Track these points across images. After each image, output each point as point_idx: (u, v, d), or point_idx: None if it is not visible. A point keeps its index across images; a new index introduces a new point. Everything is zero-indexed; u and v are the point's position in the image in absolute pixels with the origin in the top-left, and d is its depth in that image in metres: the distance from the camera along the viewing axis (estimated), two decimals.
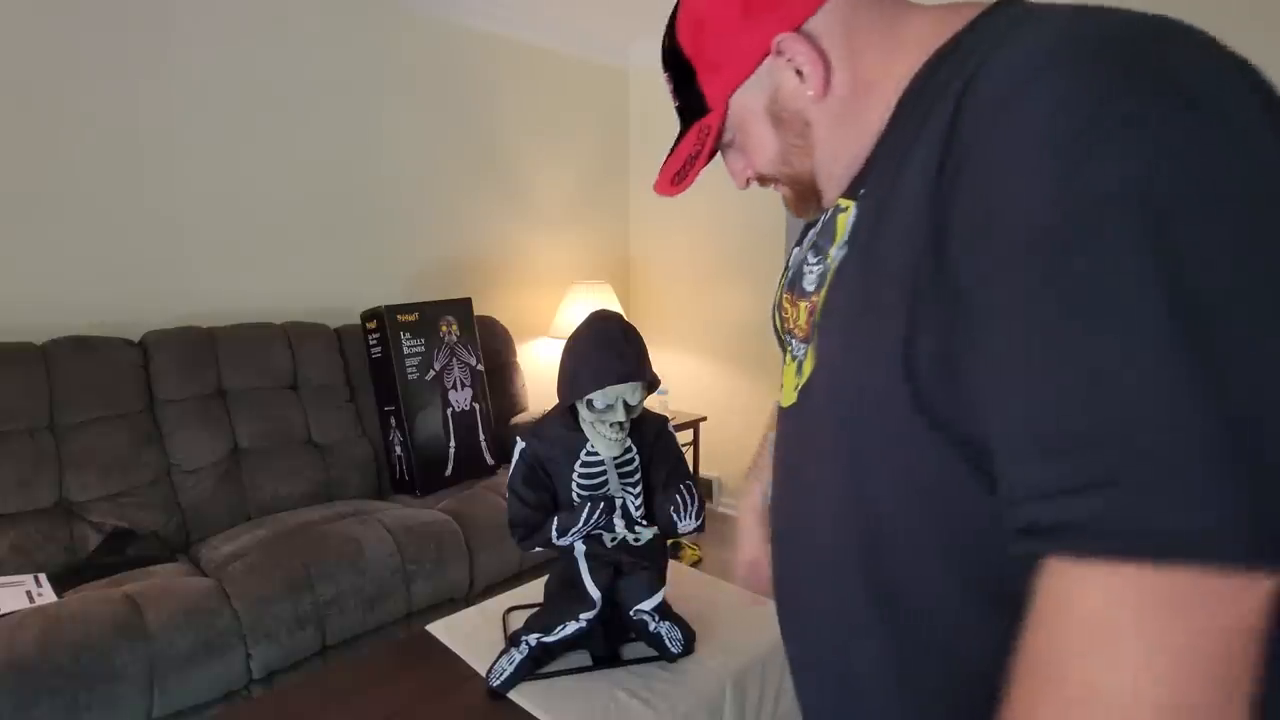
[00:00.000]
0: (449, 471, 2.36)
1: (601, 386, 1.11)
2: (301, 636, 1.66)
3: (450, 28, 2.85)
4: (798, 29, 0.53)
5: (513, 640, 1.20)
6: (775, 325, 0.69)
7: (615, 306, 3.09)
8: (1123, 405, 0.33)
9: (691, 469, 3.23)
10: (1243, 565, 0.31)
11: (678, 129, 0.64)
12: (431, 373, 2.36)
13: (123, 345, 1.99)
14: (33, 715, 1.28)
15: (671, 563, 1.40)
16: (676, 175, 0.63)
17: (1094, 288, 0.34)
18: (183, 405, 2.03)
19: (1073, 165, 0.35)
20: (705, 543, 3.06)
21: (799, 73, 0.53)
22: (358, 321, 2.47)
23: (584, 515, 1.16)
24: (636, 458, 1.23)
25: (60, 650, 1.35)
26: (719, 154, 0.63)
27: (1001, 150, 0.38)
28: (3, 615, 1.42)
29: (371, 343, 2.37)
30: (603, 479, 1.20)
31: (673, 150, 0.64)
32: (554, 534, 1.18)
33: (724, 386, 3.35)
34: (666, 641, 1.23)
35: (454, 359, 2.43)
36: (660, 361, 3.55)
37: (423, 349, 2.35)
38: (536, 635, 1.18)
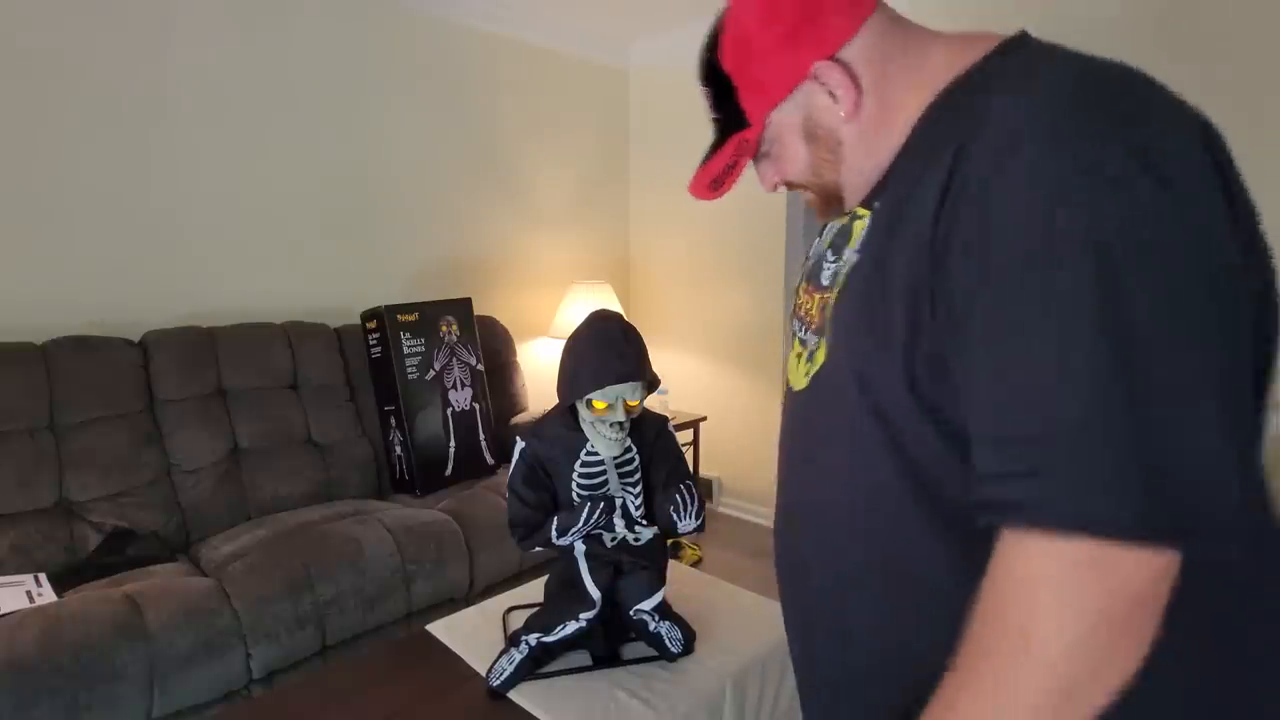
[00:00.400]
0: (449, 471, 2.36)
1: (601, 386, 1.11)
2: (301, 636, 1.66)
3: (451, 28, 2.85)
4: (833, 56, 0.60)
5: (513, 640, 1.20)
6: (789, 310, 0.78)
7: (615, 306, 3.10)
8: (1057, 409, 0.43)
9: (691, 469, 3.23)
10: (1135, 541, 0.42)
11: (711, 138, 0.70)
12: (431, 373, 2.36)
13: (123, 345, 1.99)
14: (33, 715, 1.28)
15: (671, 563, 1.40)
16: (714, 182, 0.69)
17: (1045, 308, 0.44)
18: (183, 405, 2.03)
19: (1047, 211, 0.44)
20: (705, 543, 3.06)
21: (832, 95, 0.60)
22: (358, 321, 2.47)
23: (584, 515, 1.16)
24: (636, 458, 1.23)
25: (60, 650, 1.35)
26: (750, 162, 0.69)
27: (995, 193, 0.47)
28: (3, 615, 1.42)
29: (371, 343, 2.37)
30: (603, 479, 1.20)
31: (709, 157, 0.69)
32: (554, 534, 1.18)
33: (724, 386, 3.35)
34: (666, 641, 1.23)
35: (454, 359, 2.43)
36: (660, 361, 3.55)
37: (423, 349, 2.35)
38: (536, 635, 1.18)
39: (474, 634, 1.34)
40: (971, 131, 0.50)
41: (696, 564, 2.83)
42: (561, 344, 2.45)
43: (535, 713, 1.11)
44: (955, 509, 0.52)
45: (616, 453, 1.18)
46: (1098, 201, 0.44)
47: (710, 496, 3.47)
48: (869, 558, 0.59)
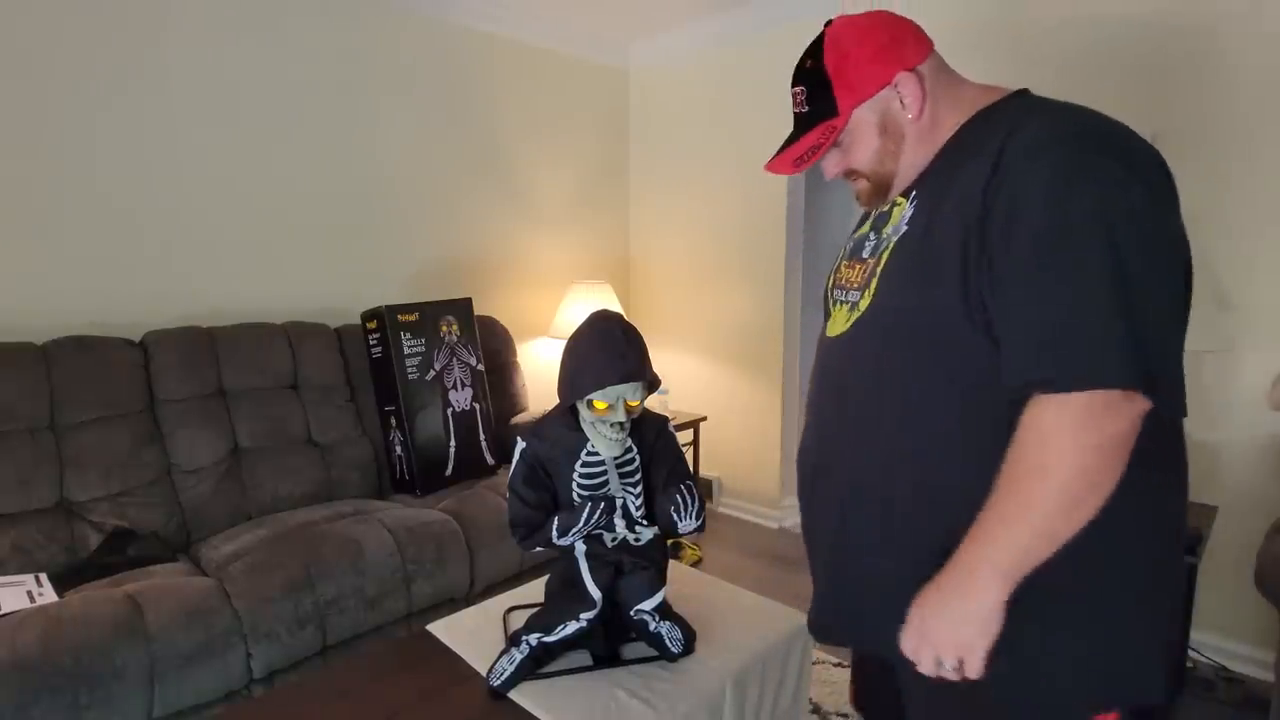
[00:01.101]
0: (449, 471, 2.36)
1: (602, 386, 1.11)
2: (302, 636, 1.66)
3: (450, 28, 2.85)
4: (912, 70, 0.83)
5: (513, 640, 1.20)
6: (827, 287, 1.00)
7: (615, 306, 3.10)
8: (1078, 320, 0.67)
9: (691, 469, 3.23)
10: (1126, 390, 0.66)
11: (790, 129, 0.92)
12: (431, 373, 2.37)
13: (123, 345, 1.99)
14: (33, 714, 1.29)
15: (671, 562, 1.40)
16: (799, 160, 0.90)
17: (1072, 259, 0.68)
18: (183, 405, 2.03)
19: (1064, 197, 0.69)
20: (705, 543, 3.06)
21: (902, 101, 0.84)
22: (358, 321, 2.48)
23: (584, 515, 1.16)
24: (637, 458, 1.23)
25: (61, 650, 1.35)
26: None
27: (1026, 181, 0.71)
28: (4, 615, 1.42)
29: (371, 343, 2.37)
30: (603, 479, 1.20)
31: (792, 141, 0.90)
32: (554, 534, 1.18)
33: (724, 386, 3.35)
34: (667, 641, 1.23)
35: (454, 359, 2.44)
36: (660, 361, 3.56)
37: (423, 349, 2.35)
38: (537, 635, 1.18)
39: (474, 634, 1.34)
40: (1009, 134, 0.74)
41: (696, 564, 2.83)
42: (561, 344, 2.45)
43: (535, 712, 1.11)
44: (980, 394, 0.75)
45: (617, 453, 1.18)
46: (1104, 193, 0.68)
47: (710, 496, 3.47)
48: (918, 443, 0.79)
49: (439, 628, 1.37)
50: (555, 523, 1.18)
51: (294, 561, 1.71)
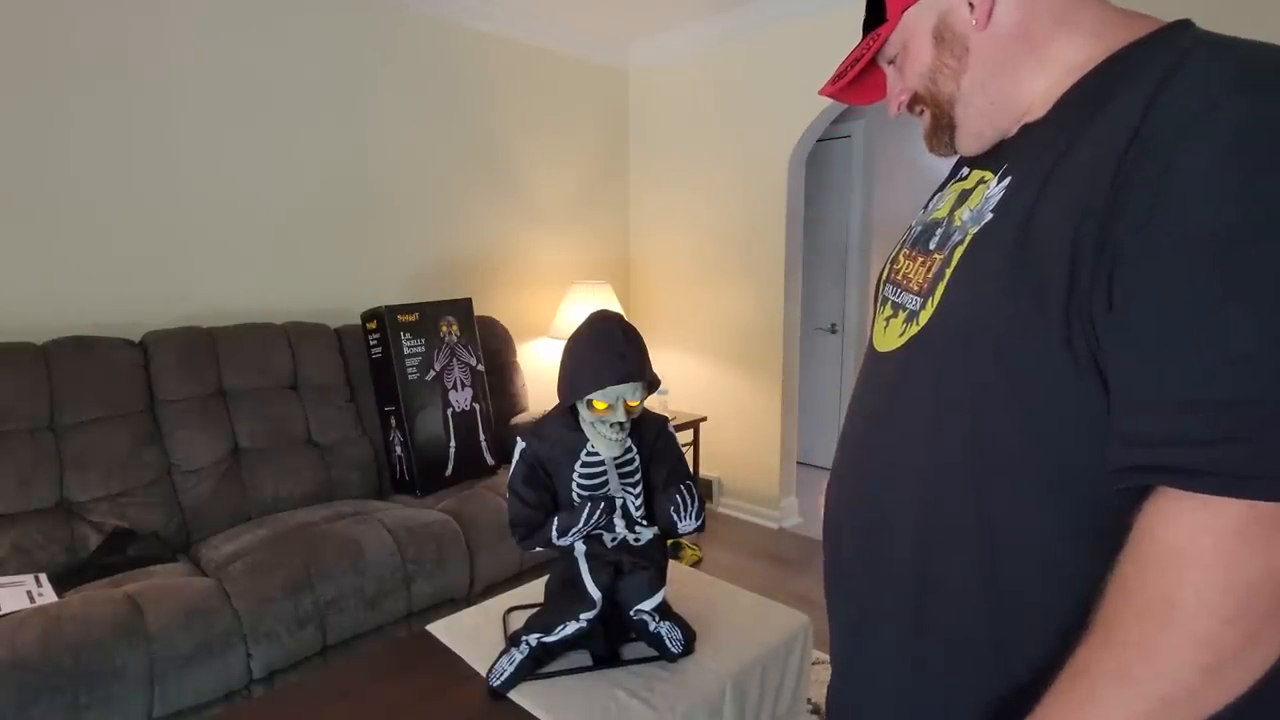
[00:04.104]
0: (449, 471, 2.36)
1: (602, 386, 1.11)
2: (302, 636, 1.66)
3: (451, 28, 2.85)
4: None
5: (513, 640, 1.20)
6: (880, 279, 0.76)
7: (615, 306, 3.10)
8: (1261, 382, 0.42)
9: (691, 469, 3.23)
10: None
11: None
12: (431, 373, 2.36)
13: (123, 345, 1.99)
14: (33, 714, 1.29)
15: (671, 563, 1.40)
16: (838, 75, 0.71)
17: (1257, 281, 0.42)
18: (183, 405, 2.03)
19: (1255, 174, 0.43)
20: (705, 543, 3.06)
21: (970, 5, 0.60)
22: (358, 321, 2.47)
23: (584, 515, 1.16)
24: (636, 458, 1.23)
25: (61, 650, 1.35)
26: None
27: (1191, 156, 0.45)
28: (4, 615, 1.42)
29: (371, 343, 2.37)
30: (603, 479, 1.20)
31: (845, 59, 0.71)
32: (554, 534, 1.18)
33: (724, 386, 3.35)
34: (667, 642, 1.23)
35: (454, 359, 2.44)
36: (660, 361, 3.56)
37: (423, 349, 2.35)
38: (537, 635, 1.18)
39: (474, 634, 1.34)
40: (1160, 86, 0.49)
41: (696, 564, 2.83)
42: (561, 344, 2.45)
43: (535, 712, 1.11)
44: (1077, 471, 0.52)
45: (617, 453, 1.18)
46: None
47: (710, 496, 3.47)
48: (977, 512, 0.57)
49: (439, 628, 1.37)
50: (555, 523, 1.18)
51: (294, 561, 1.71)
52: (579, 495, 1.20)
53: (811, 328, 3.88)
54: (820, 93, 0.75)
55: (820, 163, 3.71)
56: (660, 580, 1.23)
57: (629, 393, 1.14)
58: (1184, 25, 0.55)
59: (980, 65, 0.62)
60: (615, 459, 1.20)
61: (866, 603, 0.69)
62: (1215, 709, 0.44)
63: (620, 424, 1.15)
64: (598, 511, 1.17)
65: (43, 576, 1.61)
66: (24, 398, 1.78)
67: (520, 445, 1.22)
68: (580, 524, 1.16)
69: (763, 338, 3.18)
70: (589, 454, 1.19)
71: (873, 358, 0.71)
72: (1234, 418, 0.43)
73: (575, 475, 1.20)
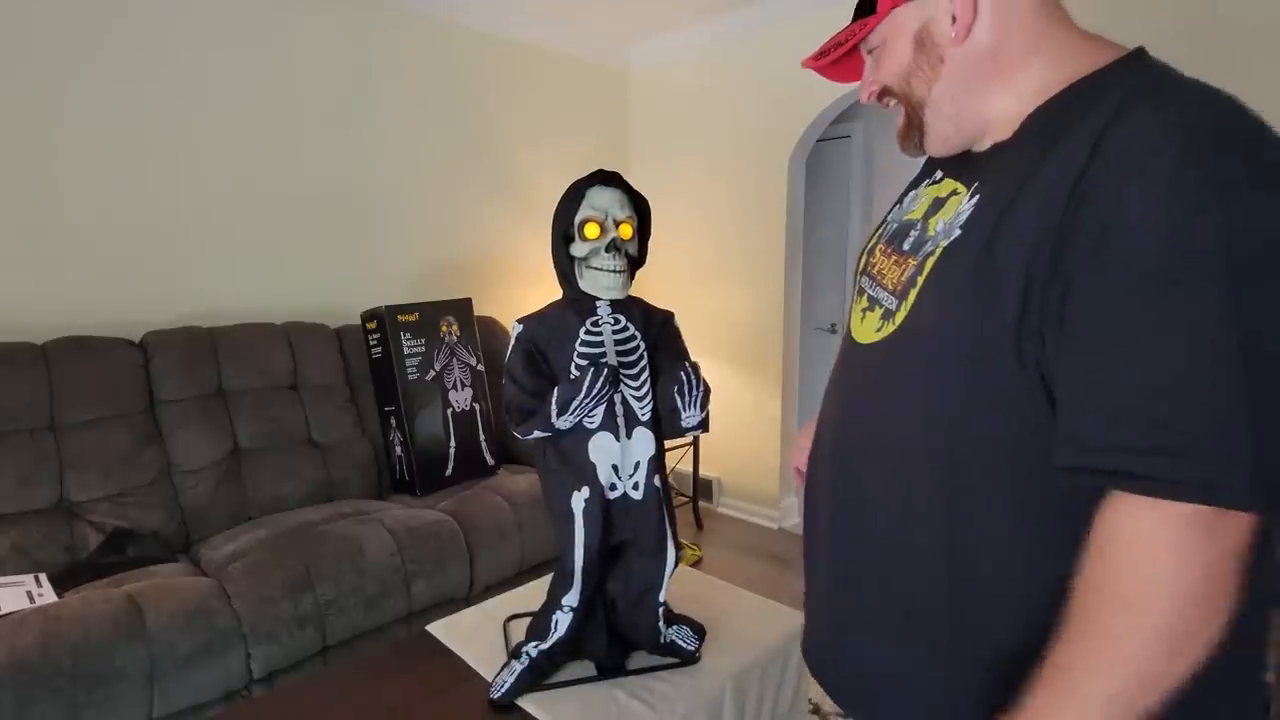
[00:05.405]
0: (449, 471, 2.36)
1: (583, 196, 1.07)
2: (301, 636, 1.66)
3: (451, 29, 2.85)
4: None
5: (514, 653, 1.19)
6: (858, 268, 0.83)
7: None
8: (1189, 399, 0.49)
9: (691, 469, 3.23)
10: (1249, 509, 0.49)
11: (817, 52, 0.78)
12: (431, 373, 2.36)
13: (123, 345, 1.99)
14: (33, 715, 1.29)
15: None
16: (823, 52, 0.75)
17: (1185, 312, 0.49)
18: (183, 405, 2.03)
19: (1182, 222, 0.49)
20: (705, 543, 3.06)
21: (953, 17, 0.65)
22: (358, 321, 2.47)
23: (585, 384, 1.06)
24: (638, 338, 1.15)
25: (60, 650, 1.35)
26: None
27: (1130, 198, 0.51)
28: (3, 615, 1.42)
29: (371, 343, 2.37)
30: (603, 356, 1.14)
31: (831, 38, 0.76)
32: (553, 411, 1.08)
33: (724, 386, 3.35)
34: (680, 643, 1.23)
35: (454, 359, 2.43)
36: None
37: (423, 349, 2.35)
38: (534, 643, 1.17)
39: (474, 634, 1.34)
40: (1115, 117, 0.55)
41: (696, 564, 2.83)
42: None
43: (534, 713, 1.11)
44: (1028, 466, 0.59)
45: (619, 294, 1.12)
46: (1238, 216, 0.49)
47: (710, 497, 3.47)
48: (944, 497, 0.64)
49: (439, 628, 1.37)
50: (554, 397, 1.08)
51: (294, 561, 1.71)
52: (579, 369, 1.12)
53: (811, 328, 3.88)
54: (803, 64, 0.79)
55: (820, 163, 3.71)
56: (663, 549, 1.16)
57: (616, 207, 1.09)
58: (1136, 57, 0.61)
59: (952, 77, 0.67)
60: (614, 333, 1.13)
61: (841, 571, 0.77)
62: (1181, 682, 0.51)
63: (618, 250, 1.09)
64: (599, 380, 1.07)
65: (43, 576, 1.61)
66: (24, 398, 1.78)
67: (518, 328, 1.14)
68: (581, 395, 1.06)
69: (763, 338, 3.18)
70: (589, 332, 1.12)
71: (851, 346, 0.77)
72: (1164, 434, 0.50)
73: (575, 355, 1.12)
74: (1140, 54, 0.62)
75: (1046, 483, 0.58)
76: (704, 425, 1.13)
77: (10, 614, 1.42)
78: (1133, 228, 0.51)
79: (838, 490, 0.77)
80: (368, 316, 2.37)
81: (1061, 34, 0.64)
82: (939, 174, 0.76)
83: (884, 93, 0.73)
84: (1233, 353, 0.48)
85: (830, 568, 0.80)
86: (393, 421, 2.33)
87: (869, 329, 0.74)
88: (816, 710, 1.84)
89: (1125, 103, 0.55)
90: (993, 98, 0.66)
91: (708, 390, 1.11)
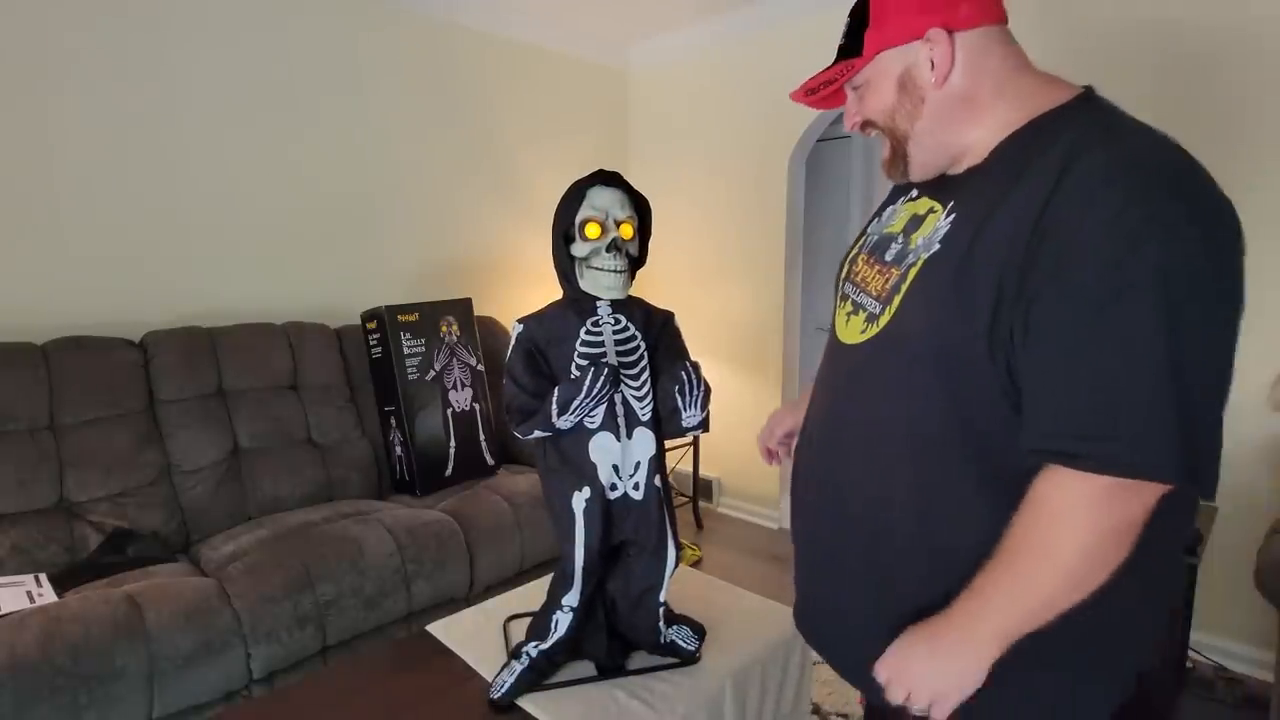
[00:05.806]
0: (449, 471, 2.36)
1: (583, 196, 1.07)
2: (301, 636, 1.66)
3: (451, 29, 2.85)
4: (951, 32, 0.73)
5: (514, 654, 1.19)
6: (839, 275, 0.93)
7: None
8: (1124, 396, 0.61)
9: (691, 469, 3.23)
10: (1164, 480, 0.62)
11: (826, 64, 0.85)
12: (431, 373, 2.36)
13: (123, 345, 1.99)
14: (33, 715, 1.29)
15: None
16: (811, 90, 0.85)
17: (1124, 327, 0.60)
18: (183, 405, 2.03)
19: (1126, 250, 0.60)
20: (705, 543, 3.06)
21: (932, 62, 0.73)
22: (358, 321, 2.47)
23: (586, 383, 1.06)
24: (638, 338, 1.15)
25: (60, 650, 1.35)
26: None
27: (1083, 228, 0.62)
28: (3, 615, 1.42)
29: (371, 343, 2.37)
30: (604, 357, 1.13)
31: (818, 75, 0.84)
32: (554, 410, 1.07)
33: (723, 386, 3.35)
34: (680, 643, 1.23)
35: (454, 359, 2.43)
36: None
37: (423, 349, 2.35)
38: (534, 643, 1.17)
39: (474, 634, 1.34)
40: (1074, 155, 0.65)
41: (696, 564, 2.83)
42: None
43: (534, 713, 1.11)
44: (992, 448, 0.71)
45: (620, 294, 1.12)
46: (1171, 250, 0.59)
47: (710, 497, 3.47)
48: (917, 480, 0.75)
49: (439, 628, 1.37)
50: (555, 397, 1.07)
51: (294, 561, 1.71)
52: (580, 369, 1.11)
53: (811, 328, 3.88)
54: (790, 97, 0.88)
55: (820, 163, 3.71)
56: (664, 547, 1.16)
57: (617, 207, 1.08)
58: (1086, 98, 0.72)
59: (931, 116, 0.76)
60: (615, 334, 1.12)
61: (827, 545, 0.87)
62: (1068, 609, 0.66)
63: (618, 250, 1.08)
64: (600, 380, 1.06)
65: (43, 576, 1.61)
66: (24, 398, 1.78)
67: (518, 328, 1.14)
68: (582, 395, 1.06)
69: (763, 338, 3.18)
70: (589, 331, 1.12)
71: (836, 346, 0.87)
72: (1096, 420, 0.62)
73: (575, 355, 1.12)
74: (1089, 94, 0.73)
75: (1008, 462, 0.69)
76: (704, 425, 1.13)
77: (10, 614, 1.42)
78: (1084, 255, 0.61)
79: (824, 474, 0.86)
80: (368, 316, 2.37)
81: (1023, 78, 0.75)
82: (915, 192, 0.85)
83: (866, 124, 0.82)
84: (1161, 361, 0.59)
85: (813, 543, 0.90)
86: (393, 421, 2.33)
87: (853, 331, 0.83)
88: (817, 710, 1.84)
89: (1079, 143, 0.66)
90: (966, 131, 0.76)
91: (708, 390, 1.11)
